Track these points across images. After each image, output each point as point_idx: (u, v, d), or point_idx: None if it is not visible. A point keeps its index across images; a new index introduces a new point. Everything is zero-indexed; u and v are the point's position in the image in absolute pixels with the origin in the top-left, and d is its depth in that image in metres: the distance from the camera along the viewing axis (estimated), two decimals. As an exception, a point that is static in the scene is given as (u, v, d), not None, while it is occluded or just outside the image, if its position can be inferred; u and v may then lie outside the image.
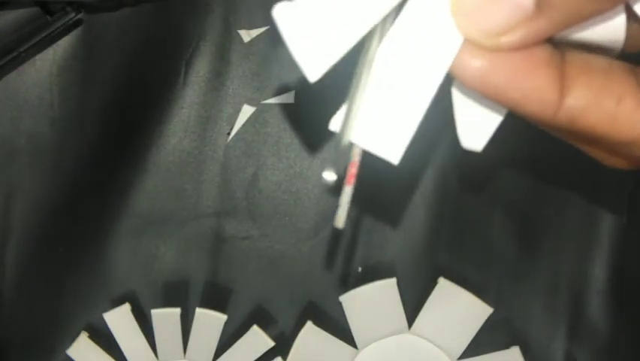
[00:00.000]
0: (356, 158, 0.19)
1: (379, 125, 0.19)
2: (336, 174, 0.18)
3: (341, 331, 0.40)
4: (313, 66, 0.18)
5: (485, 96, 0.18)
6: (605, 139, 0.18)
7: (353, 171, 0.19)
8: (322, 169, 0.41)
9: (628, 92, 0.18)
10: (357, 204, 0.41)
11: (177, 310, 0.41)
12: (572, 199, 0.41)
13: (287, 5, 0.18)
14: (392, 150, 0.19)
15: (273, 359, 0.41)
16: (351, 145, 0.19)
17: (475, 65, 0.17)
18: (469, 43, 0.18)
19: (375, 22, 0.18)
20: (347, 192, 0.20)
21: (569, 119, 0.18)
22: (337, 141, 0.18)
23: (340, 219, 0.20)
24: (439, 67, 0.18)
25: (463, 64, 0.18)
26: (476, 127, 0.20)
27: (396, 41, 0.18)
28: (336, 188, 0.19)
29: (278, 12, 0.18)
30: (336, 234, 0.42)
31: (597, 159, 0.22)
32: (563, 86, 0.18)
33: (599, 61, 0.18)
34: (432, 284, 0.40)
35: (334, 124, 0.19)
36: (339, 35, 0.18)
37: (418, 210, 0.41)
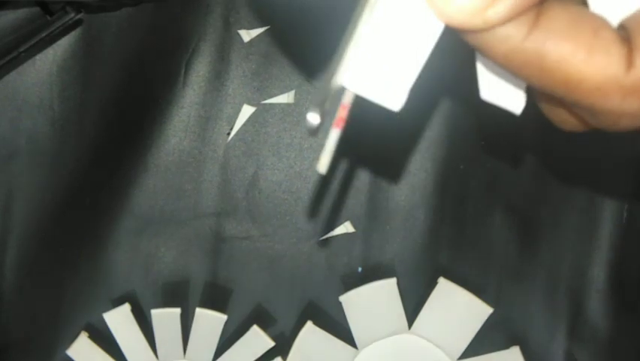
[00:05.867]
0: (347, 101, 0.18)
1: (378, 71, 0.18)
2: (321, 117, 0.17)
3: (341, 331, 0.40)
4: (394, 99, 0.18)
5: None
6: (571, 78, 0.17)
7: (343, 114, 0.18)
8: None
9: (605, 26, 0.17)
10: (358, 205, 0.41)
11: (177, 310, 0.41)
12: (571, 199, 0.41)
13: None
14: (392, 97, 0.18)
15: (273, 359, 0.41)
16: (342, 90, 0.18)
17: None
18: None
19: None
20: (334, 135, 0.18)
21: (539, 44, 0.17)
22: (327, 82, 0.17)
23: (323, 165, 0.18)
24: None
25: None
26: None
27: None
28: (317, 132, 0.17)
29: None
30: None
31: (554, 121, 0.21)
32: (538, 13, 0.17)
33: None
34: (432, 284, 0.40)
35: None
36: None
37: (418, 210, 0.41)
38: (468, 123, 0.41)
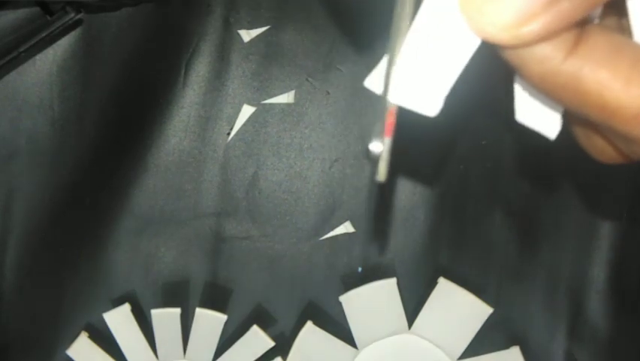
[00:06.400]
0: (393, 107, 0.19)
1: (417, 82, 0.18)
2: (382, 143, 0.18)
3: (341, 331, 0.40)
4: (431, 106, 0.19)
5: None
6: (607, 105, 0.17)
7: (391, 120, 0.19)
8: (323, 168, 0.41)
9: None
10: (358, 205, 0.41)
11: (177, 310, 0.41)
12: (571, 200, 0.41)
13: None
14: (430, 105, 0.19)
15: (273, 359, 0.41)
16: (390, 104, 0.19)
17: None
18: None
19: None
20: (387, 143, 0.19)
21: (576, 71, 0.17)
22: (382, 108, 0.18)
23: (382, 173, 0.19)
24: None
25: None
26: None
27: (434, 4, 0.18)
28: (379, 159, 0.18)
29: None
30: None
31: (593, 153, 0.22)
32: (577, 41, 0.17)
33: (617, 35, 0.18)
34: (432, 284, 0.40)
35: (370, 82, 0.19)
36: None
37: (418, 210, 0.41)
38: (468, 123, 0.41)
